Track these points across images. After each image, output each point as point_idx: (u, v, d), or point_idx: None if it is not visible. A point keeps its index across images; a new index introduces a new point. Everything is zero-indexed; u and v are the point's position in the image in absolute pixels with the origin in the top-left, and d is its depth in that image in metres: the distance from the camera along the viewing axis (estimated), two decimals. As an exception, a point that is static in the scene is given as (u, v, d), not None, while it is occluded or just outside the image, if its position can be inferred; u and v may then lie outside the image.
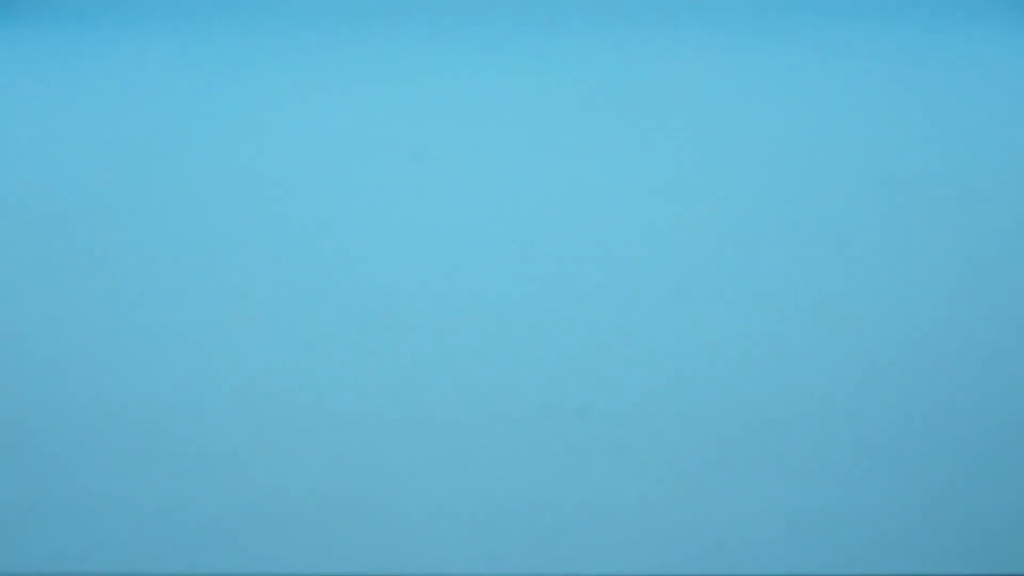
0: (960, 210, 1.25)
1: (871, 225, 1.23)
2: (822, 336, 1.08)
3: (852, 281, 1.15)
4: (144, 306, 1.12)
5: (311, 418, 1.00)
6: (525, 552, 0.89)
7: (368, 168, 1.35)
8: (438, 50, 1.69)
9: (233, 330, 1.09)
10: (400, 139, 1.41)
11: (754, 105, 1.48)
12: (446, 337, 1.08)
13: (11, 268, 1.18)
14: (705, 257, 1.18)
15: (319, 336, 1.09)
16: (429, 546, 0.89)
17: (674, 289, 1.14)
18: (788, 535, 0.89)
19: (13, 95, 1.55)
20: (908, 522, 0.90)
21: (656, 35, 1.73)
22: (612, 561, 0.88)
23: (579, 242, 1.20)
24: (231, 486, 0.94)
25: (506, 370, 1.04)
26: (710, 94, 1.51)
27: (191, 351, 1.07)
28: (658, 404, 1.01)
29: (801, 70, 1.58)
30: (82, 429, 0.99)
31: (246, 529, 0.90)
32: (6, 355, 1.07)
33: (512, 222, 1.24)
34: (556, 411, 1.00)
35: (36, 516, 0.91)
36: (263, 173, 1.34)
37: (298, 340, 1.08)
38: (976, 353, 1.05)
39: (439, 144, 1.39)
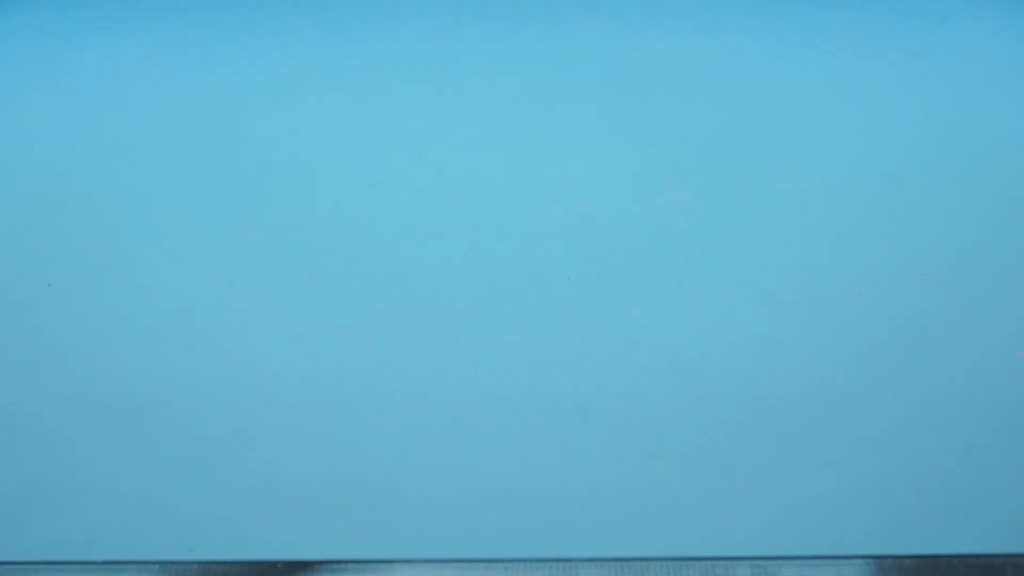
0: (953, 201, 1.26)
1: (866, 218, 1.23)
2: (815, 327, 1.08)
3: (846, 273, 1.15)
4: (140, 297, 1.12)
5: (315, 414, 1.00)
6: (525, 537, 0.89)
7: (367, 164, 1.35)
8: (433, 47, 1.68)
9: (231, 322, 1.09)
10: (396, 136, 1.41)
11: (749, 98, 1.48)
12: (450, 334, 1.08)
13: (9, 260, 1.17)
14: (701, 251, 1.18)
15: (323, 333, 1.08)
16: (433, 534, 0.90)
17: (671, 283, 1.14)
18: (780, 520, 0.90)
19: (9, 88, 1.54)
20: (899, 507, 0.90)
21: (653, 29, 1.72)
22: (610, 545, 0.89)
23: (578, 237, 1.20)
24: (230, 472, 0.94)
25: (507, 363, 1.04)
26: (706, 88, 1.51)
27: (188, 341, 1.06)
28: (655, 397, 1.01)
29: (794, 62, 1.58)
30: (81, 416, 0.98)
31: (245, 515, 0.90)
32: (5, 344, 1.06)
33: (512, 219, 1.24)
34: (557, 404, 1.00)
35: (36, 502, 0.90)
36: (261, 167, 1.34)
37: (300, 335, 1.08)
38: (969, 343, 1.06)
39: (439, 141, 1.39)
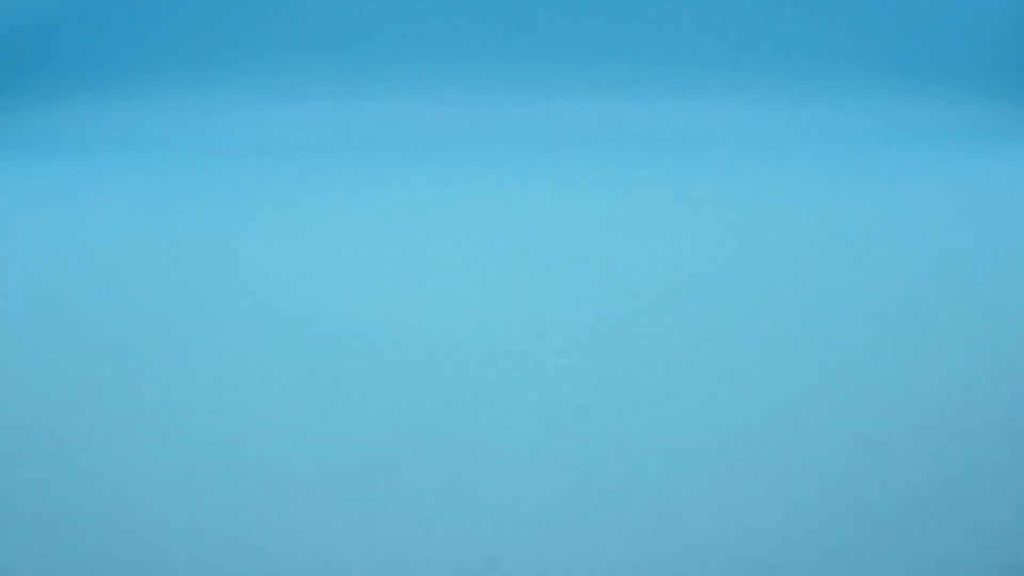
0: (953, 360, 1.20)
1: (860, 369, 1.18)
2: (806, 481, 1.02)
3: (838, 428, 1.08)
4: (146, 447, 1.07)
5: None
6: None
7: (365, 311, 1.31)
8: (427, 183, 1.63)
9: (236, 473, 1.03)
10: (392, 279, 1.40)
11: (741, 244, 1.40)
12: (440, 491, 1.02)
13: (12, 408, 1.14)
14: (691, 401, 1.12)
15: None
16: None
17: (655, 431, 1.12)
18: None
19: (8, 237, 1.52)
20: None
21: (646, 170, 1.67)
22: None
23: (565, 383, 1.15)
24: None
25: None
26: (698, 233, 1.43)
27: (191, 498, 1.02)
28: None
29: (790, 205, 1.54)
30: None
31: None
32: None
33: (499, 365, 1.18)
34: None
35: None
36: (259, 297, 1.30)
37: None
38: (968, 504, 0.99)
39: (434, 283, 1.36)
